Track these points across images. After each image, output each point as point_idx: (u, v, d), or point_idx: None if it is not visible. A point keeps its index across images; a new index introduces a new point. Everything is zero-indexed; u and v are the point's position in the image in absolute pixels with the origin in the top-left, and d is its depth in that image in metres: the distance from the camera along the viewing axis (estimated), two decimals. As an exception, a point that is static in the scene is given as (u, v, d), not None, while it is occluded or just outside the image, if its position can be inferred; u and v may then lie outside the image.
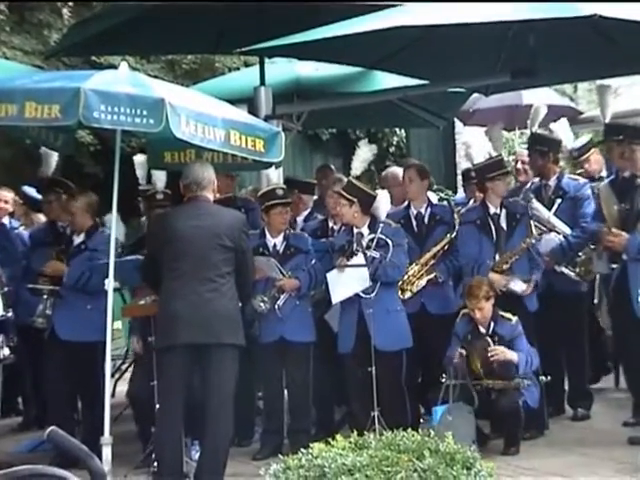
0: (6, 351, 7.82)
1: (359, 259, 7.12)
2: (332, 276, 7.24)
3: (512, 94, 9.82)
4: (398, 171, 8.63)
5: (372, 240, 7.23)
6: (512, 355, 7.02)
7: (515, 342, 7.10)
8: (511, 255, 7.40)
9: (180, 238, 6.35)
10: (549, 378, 7.19)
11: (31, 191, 8.97)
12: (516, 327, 7.16)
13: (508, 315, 7.19)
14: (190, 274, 6.29)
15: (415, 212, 7.83)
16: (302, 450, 3.96)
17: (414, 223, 7.80)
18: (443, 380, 6.93)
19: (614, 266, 7.45)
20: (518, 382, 6.97)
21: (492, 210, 7.54)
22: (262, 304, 7.30)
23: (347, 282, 7.14)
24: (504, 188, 7.66)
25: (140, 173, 8.58)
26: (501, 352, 7.01)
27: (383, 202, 7.47)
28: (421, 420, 7.60)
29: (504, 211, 7.52)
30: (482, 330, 7.16)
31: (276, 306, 7.35)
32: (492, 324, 7.15)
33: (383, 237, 7.23)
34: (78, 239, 7.66)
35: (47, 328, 7.57)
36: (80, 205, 7.61)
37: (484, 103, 10.34)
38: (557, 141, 8.39)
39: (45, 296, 7.56)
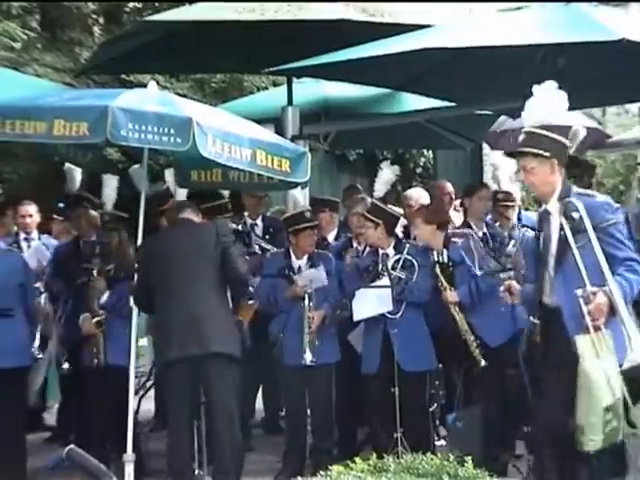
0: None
1: (385, 281, 7.12)
2: (359, 294, 7.25)
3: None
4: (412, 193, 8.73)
5: (398, 261, 7.23)
6: (453, 297, 7.13)
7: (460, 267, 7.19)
8: None
9: (170, 258, 6.56)
10: None
11: None
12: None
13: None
14: (182, 291, 6.47)
15: (480, 234, 7.65)
16: (321, 472, 3.96)
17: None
18: None
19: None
20: None
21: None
22: (310, 356, 7.27)
23: (370, 302, 7.14)
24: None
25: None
26: (445, 298, 7.11)
27: None
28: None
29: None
30: (435, 258, 7.26)
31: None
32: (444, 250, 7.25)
33: (409, 258, 7.23)
34: None
35: None
36: None
37: (512, 125, 10.31)
38: (592, 165, 8.35)
39: None
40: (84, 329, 7.32)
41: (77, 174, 8.53)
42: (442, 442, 7.53)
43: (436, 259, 7.24)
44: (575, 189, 5.65)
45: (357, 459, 4.06)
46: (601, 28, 6.30)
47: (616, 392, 5.11)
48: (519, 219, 8.93)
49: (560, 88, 7.10)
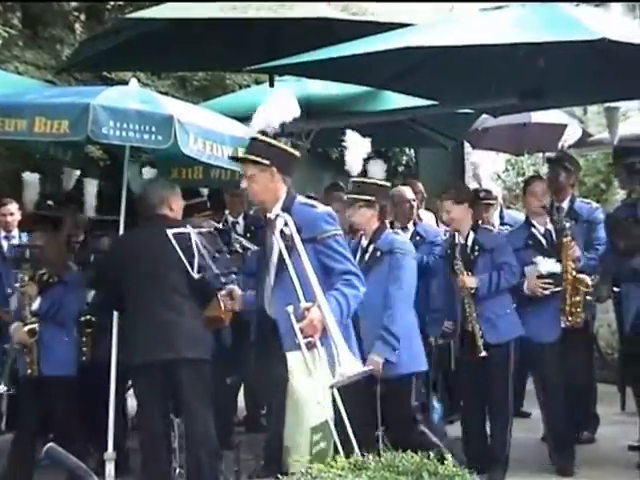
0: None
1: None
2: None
3: (521, 114, 9.83)
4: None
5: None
6: (471, 282, 7.06)
7: (497, 251, 7.17)
8: None
9: (139, 259, 6.35)
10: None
11: None
12: (497, 236, 7.41)
13: (489, 227, 7.45)
14: (150, 294, 6.27)
15: (542, 230, 7.63)
16: (301, 470, 3.96)
17: (544, 242, 7.57)
18: None
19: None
20: None
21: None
22: None
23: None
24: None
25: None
26: (462, 282, 7.08)
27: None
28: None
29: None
30: (461, 240, 7.21)
31: None
32: (472, 234, 7.23)
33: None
34: None
35: None
36: None
37: (493, 124, 10.34)
38: (579, 166, 8.40)
39: None
40: (16, 339, 7.00)
41: (74, 173, 8.45)
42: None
43: (457, 241, 7.20)
44: (300, 199, 5.61)
45: (337, 457, 4.07)
46: (582, 27, 6.31)
47: (326, 412, 4.96)
48: (501, 217, 8.98)
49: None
